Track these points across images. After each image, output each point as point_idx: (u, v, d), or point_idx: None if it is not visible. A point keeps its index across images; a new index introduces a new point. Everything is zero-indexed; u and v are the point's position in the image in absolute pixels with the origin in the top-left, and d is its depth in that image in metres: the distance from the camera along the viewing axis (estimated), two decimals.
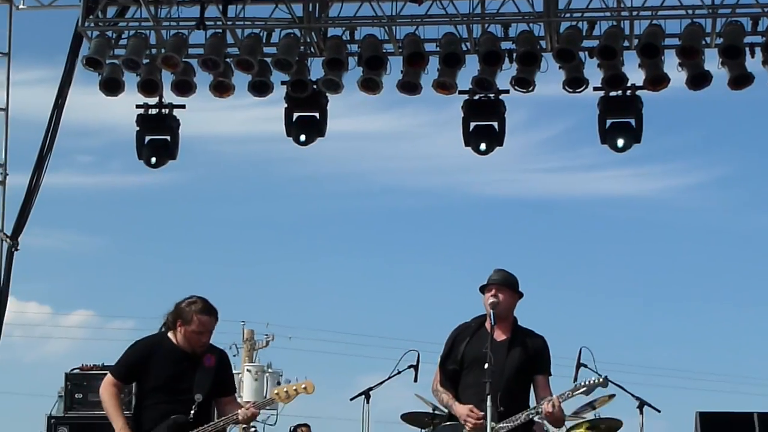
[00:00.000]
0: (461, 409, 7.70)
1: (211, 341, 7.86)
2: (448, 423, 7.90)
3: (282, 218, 51.04)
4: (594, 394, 10.81)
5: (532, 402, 7.83)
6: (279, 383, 19.88)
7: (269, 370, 26.98)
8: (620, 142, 11.19)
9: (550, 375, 7.92)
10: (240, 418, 7.69)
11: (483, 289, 7.92)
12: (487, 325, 7.90)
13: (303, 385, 7.86)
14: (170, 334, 7.80)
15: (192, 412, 7.62)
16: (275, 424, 15.52)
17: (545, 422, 7.75)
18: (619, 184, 47.89)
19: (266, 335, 29.36)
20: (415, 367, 10.13)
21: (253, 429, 17.85)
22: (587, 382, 7.79)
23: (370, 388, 10.43)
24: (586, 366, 9.97)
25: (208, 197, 50.09)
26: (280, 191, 50.05)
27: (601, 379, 7.81)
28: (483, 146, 11.67)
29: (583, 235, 50.44)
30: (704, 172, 50.33)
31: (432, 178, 48.45)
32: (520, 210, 50.64)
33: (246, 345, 28.79)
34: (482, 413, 7.54)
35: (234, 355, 28.65)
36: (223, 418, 7.78)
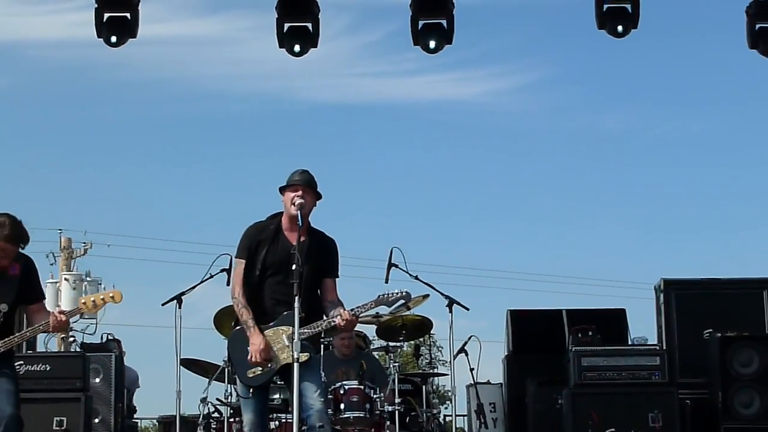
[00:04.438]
0: (256, 342, 7.61)
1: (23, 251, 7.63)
2: (240, 328, 7.83)
3: (102, 124, 50.21)
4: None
5: None
6: (98, 291, 19.56)
7: (88, 279, 26.60)
8: (432, 43, 11.17)
9: (338, 277, 7.93)
10: (50, 326, 7.48)
11: (285, 189, 7.85)
12: (285, 222, 7.87)
13: (110, 294, 7.74)
14: None
15: None
16: (94, 333, 15.29)
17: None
18: (441, 89, 48.41)
19: (84, 243, 28.88)
20: (228, 271, 10.05)
21: (72, 338, 17.59)
22: (387, 296, 7.83)
23: (183, 293, 10.33)
24: (397, 266, 10.10)
25: (28, 103, 48.88)
26: (101, 97, 49.20)
27: (403, 293, 7.88)
28: (297, 48, 11.49)
29: (405, 140, 51.02)
30: (521, 75, 51.35)
31: (258, 83, 48.24)
32: (343, 115, 50.87)
33: (63, 253, 28.24)
34: (266, 357, 7.59)
35: (51, 264, 28.12)
36: (30, 327, 7.59)
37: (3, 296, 7.49)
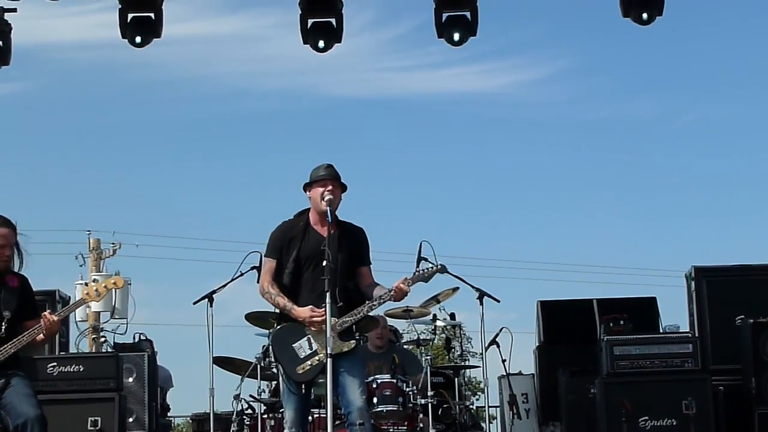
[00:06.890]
0: (303, 312, 7.71)
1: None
2: (286, 324, 7.88)
3: (128, 125, 50.38)
4: (438, 288, 10.99)
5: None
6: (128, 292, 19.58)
7: None
8: (456, 36, 11.18)
9: (371, 264, 8.02)
10: (43, 328, 7.56)
11: (311, 185, 7.90)
12: (313, 217, 7.92)
13: (112, 281, 7.83)
14: None
15: (3, 328, 7.55)
16: (125, 333, 15.32)
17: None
18: (465, 82, 48.35)
19: (113, 243, 28.92)
20: (258, 269, 10.06)
21: (103, 339, 17.66)
22: (425, 270, 7.94)
23: (213, 291, 10.35)
24: (426, 259, 10.05)
25: (54, 105, 49.09)
26: (127, 98, 49.33)
27: (438, 266, 7.99)
28: (321, 43, 11.53)
29: (430, 133, 51.00)
30: (546, 66, 51.19)
31: (282, 80, 48.28)
32: (368, 110, 50.88)
33: (92, 254, 28.29)
34: (323, 311, 7.56)
35: (81, 265, 28.16)
36: (26, 332, 7.65)
37: (6, 304, 7.63)
